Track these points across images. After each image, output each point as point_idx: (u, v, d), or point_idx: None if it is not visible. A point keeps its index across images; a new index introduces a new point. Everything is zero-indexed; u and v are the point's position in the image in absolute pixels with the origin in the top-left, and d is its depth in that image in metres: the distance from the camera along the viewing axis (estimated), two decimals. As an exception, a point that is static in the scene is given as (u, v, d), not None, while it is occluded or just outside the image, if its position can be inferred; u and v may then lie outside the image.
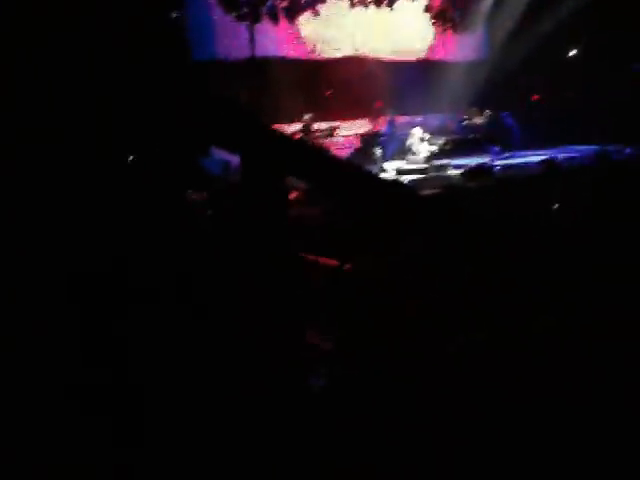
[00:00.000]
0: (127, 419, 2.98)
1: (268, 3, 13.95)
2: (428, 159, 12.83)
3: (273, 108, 13.05)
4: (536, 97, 16.51)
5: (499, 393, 3.27)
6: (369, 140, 14.34)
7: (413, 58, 16.37)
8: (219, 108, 3.12)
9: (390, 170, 12.50)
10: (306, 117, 13.23)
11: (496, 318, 3.88)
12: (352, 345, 3.88)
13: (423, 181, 11.80)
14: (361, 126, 14.86)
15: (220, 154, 8.45)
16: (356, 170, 3.45)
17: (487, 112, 15.64)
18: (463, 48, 16.80)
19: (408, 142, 13.23)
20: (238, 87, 12.83)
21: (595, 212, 5.92)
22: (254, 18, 13.50)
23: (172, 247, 3.74)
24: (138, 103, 3.08)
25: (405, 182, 10.90)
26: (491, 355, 3.57)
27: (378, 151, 13.63)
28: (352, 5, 15.34)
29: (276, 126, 13.27)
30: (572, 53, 16.66)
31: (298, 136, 13.07)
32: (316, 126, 13.45)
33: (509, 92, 15.57)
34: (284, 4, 14.26)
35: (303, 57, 14.64)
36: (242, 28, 13.36)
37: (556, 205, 6.73)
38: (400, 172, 12.15)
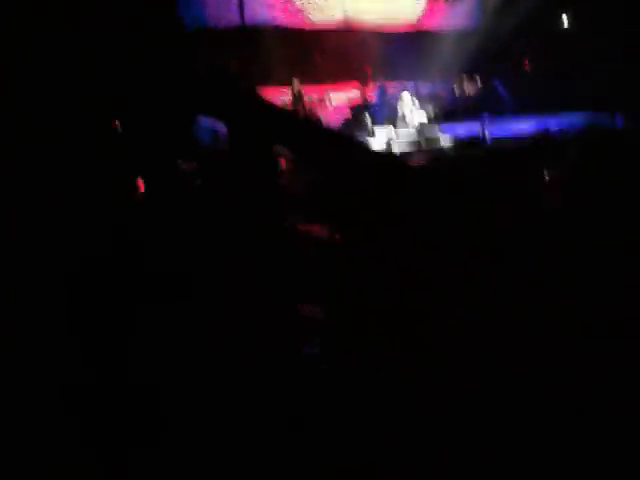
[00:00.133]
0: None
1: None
2: (418, 126, 12.77)
3: (263, 75, 12.94)
4: (527, 65, 16.41)
5: (499, 365, 3.28)
6: (359, 107, 14.24)
7: (404, 25, 16.21)
8: (206, 77, 3.08)
9: (380, 137, 12.43)
10: (296, 84, 13.11)
11: (495, 290, 3.88)
12: (344, 315, 3.87)
13: (413, 149, 11.77)
14: (351, 93, 14.76)
15: (209, 123, 8.38)
16: (344, 140, 3.42)
17: (478, 80, 15.54)
18: (455, 15, 16.63)
19: (398, 109, 13.14)
20: (228, 55, 12.71)
21: (586, 180, 5.91)
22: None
23: (163, 218, 3.71)
24: (128, 72, 3.04)
25: (395, 150, 10.87)
26: (491, 327, 3.57)
27: (368, 118, 13.55)
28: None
29: (266, 93, 13.18)
30: (564, 20, 16.54)
31: (288, 104, 12.98)
32: (306, 93, 13.33)
33: (500, 60, 15.46)
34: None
35: (293, 24, 14.47)
36: (232, -5, 13.20)
37: (547, 174, 6.72)
38: (390, 139, 12.09)
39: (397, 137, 12.32)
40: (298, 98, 13.12)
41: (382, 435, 2.98)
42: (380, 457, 2.89)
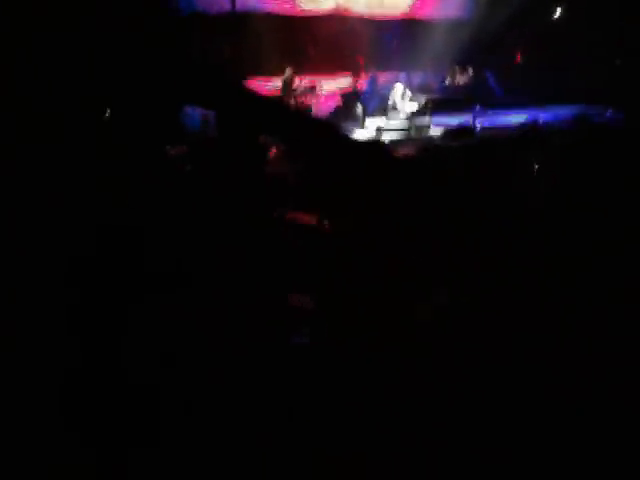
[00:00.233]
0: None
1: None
2: (409, 116, 12.77)
3: (255, 63, 12.90)
4: (519, 57, 16.43)
5: (484, 354, 3.29)
6: (350, 96, 14.23)
7: (396, 14, 16.16)
8: (191, 66, 3.07)
9: (371, 127, 12.44)
10: (287, 72, 13.07)
11: (479, 280, 3.89)
12: (334, 305, 3.88)
13: (403, 138, 11.78)
14: (343, 82, 14.73)
15: (199, 109, 8.34)
16: (330, 129, 3.41)
17: (470, 71, 15.55)
18: (447, 6, 16.60)
19: (390, 99, 13.14)
20: (220, 41, 12.66)
21: (574, 174, 5.93)
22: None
23: (153, 204, 3.70)
24: (117, 60, 3.02)
25: (385, 139, 10.87)
26: (475, 316, 3.58)
27: (359, 107, 13.54)
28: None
29: (257, 80, 13.16)
30: (557, 13, 16.54)
31: (279, 91, 12.96)
32: (297, 81, 13.30)
33: (492, 51, 15.46)
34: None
35: (285, 11, 14.40)
36: (224, -19, 13.11)
37: (536, 166, 6.74)
38: (381, 129, 12.10)
39: (388, 126, 12.33)
40: (289, 86, 13.09)
41: (372, 425, 2.99)
42: (370, 447, 2.90)
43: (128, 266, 3.50)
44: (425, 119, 12.69)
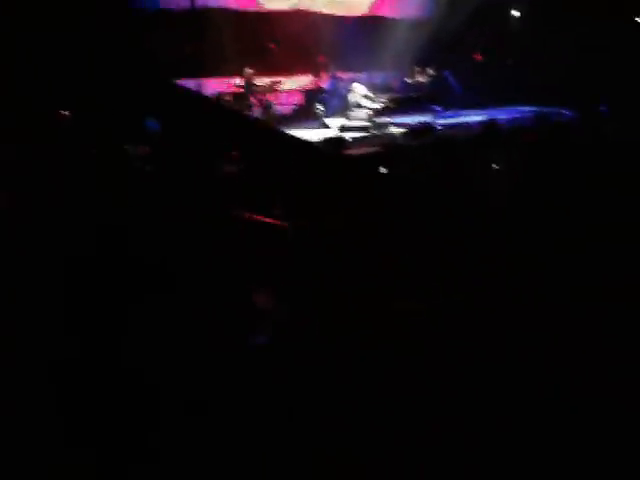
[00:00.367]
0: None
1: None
2: (370, 117, 12.81)
3: (216, 61, 12.81)
4: (479, 57, 16.58)
5: (475, 352, 3.32)
6: (311, 96, 14.22)
7: (357, 13, 16.20)
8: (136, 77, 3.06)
9: (333, 127, 12.44)
10: (248, 71, 13.01)
11: (463, 280, 3.93)
12: (297, 304, 3.87)
13: (365, 138, 11.81)
14: (304, 81, 14.71)
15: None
16: (276, 134, 3.42)
17: (430, 71, 15.64)
18: (408, 5, 16.68)
19: (350, 99, 13.16)
20: (181, 39, 12.54)
21: (533, 173, 6.00)
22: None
23: (110, 204, 3.65)
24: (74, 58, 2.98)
25: (346, 138, 10.89)
26: (468, 315, 3.61)
27: (320, 107, 13.54)
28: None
29: (217, 79, 13.07)
30: (517, 13, 16.74)
31: (240, 90, 12.89)
32: (258, 80, 13.25)
33: (452, 51, 15.57)
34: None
35: (245, 8, 14.32)
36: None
37: (495, 166, 6.80)
38: (343, 129, 12.11)
39: (348, 126, 12.34)
40: (250, 84, 13.03)
41: (366, 423, 3.00)
42: (364, 445, 2.91)
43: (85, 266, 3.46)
44: (386, 118, 12.73)
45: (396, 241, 4.30)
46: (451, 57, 15.65)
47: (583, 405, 3.02)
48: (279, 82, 13.78)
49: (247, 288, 3.70)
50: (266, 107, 13.18)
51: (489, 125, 9.08)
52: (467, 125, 12.00)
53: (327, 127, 12.49)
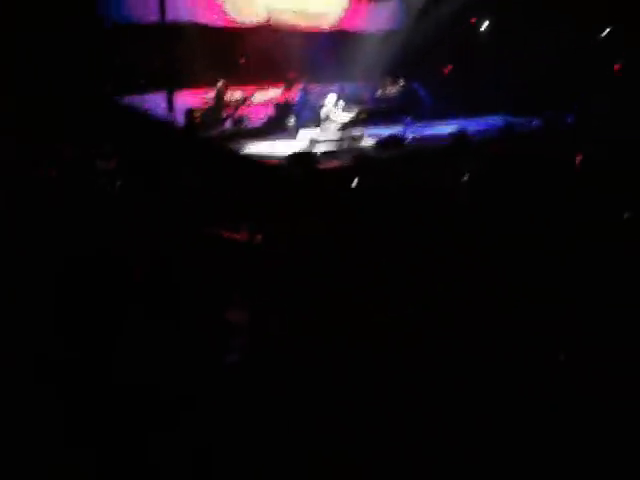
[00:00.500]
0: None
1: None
2: (341, 129, 12.84)
3: (186, 74, 12.79)
4: (449, 68, 16.73)
5: (468, 353, 3.36)
6: (283, 108, 14.25)
7: (327, 26, 16.27)
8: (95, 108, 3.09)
9: (304, 139, 12.45)
10: (219, 84, 13.02)
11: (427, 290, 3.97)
12: (269, 321, 3.89)
13: (335, 149, 11.86)
14: (275, 94, 14.74)
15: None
16: (229, 154, 3.45)
17: (401, 82, 15.74)
18: (378, 17, 16.79)
19: (322, 111, 13.19)
20: (151, 52, 12.50)
21: (499, 183, 6.08)
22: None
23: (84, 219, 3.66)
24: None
25: (317, 150, 10.94)
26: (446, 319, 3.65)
27: (291, 119, 13.57)
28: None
29: (188, 91, 13.05)
30: (485, 26, 16.91)
31: (211, 103, 12.89)
32: (229, 93, 13.26)
33: (422, 63, 15.69)
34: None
35: (215, 22, 14.31)
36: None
37: (465, 176, 6.87)
38: (313, 142, 12.13)
39: (320, 138, 12.37)
40: (221, 97, 13.04)
41: (361, 425, 3.02)
42: (360, 446, 2.93)
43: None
44: (357, 130, 12.79)
45: (367, 252, 4.34)
46: (421, 69, 15.77)
47: (583, 405, 3.06)
48: (250, 95, 13.80)
49: (220, 305, 3.72)
50: (238, 120, 13.18)
51: (459, 136, 9.17)
52: (437, 136, 12.08)
53: (298, 139, 12.51)
